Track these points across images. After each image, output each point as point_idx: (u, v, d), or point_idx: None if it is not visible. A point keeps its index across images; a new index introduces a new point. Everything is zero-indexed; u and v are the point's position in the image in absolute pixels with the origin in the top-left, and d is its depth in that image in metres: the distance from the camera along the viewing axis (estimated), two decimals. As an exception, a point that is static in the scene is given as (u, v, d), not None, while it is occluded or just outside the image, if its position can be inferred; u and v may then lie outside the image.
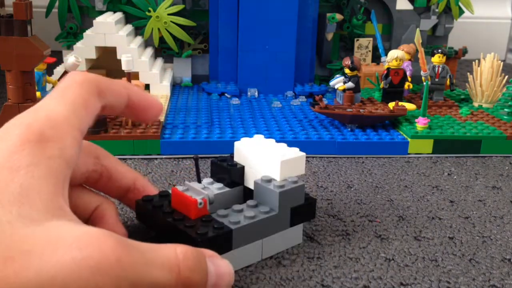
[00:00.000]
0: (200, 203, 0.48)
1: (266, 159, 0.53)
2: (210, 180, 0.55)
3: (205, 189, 0.51)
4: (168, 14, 1.08)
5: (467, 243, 0.57)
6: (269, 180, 0.52)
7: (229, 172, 0.55)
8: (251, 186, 0.54)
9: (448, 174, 0.76)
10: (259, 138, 0.57)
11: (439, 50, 0.98)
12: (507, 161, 0.82)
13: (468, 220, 0.62)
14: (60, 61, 1.08)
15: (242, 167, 0.55)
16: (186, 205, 0.48)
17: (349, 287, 0.49)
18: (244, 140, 0.56)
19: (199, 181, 0.55)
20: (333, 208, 0.64)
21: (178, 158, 0.79)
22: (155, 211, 0.50)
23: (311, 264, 0.52)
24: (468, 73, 1.06)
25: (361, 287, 0.49)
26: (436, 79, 0.99)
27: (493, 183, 0.74)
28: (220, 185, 0.55)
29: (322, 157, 0.81)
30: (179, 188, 0.51)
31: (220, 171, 0.56)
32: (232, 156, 0.57)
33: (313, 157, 0.81)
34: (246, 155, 0.55)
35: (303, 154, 0.53)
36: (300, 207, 0.53)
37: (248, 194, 0.55)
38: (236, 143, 0.56)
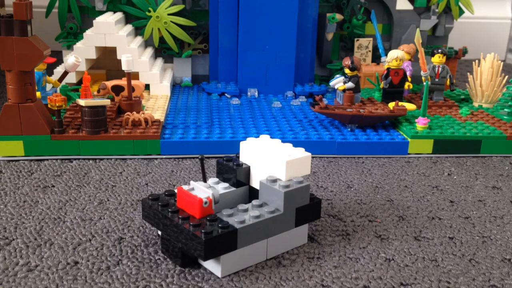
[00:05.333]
0: (206, 202, 0.49)
1: (271, 159, 0.53)
2: (216, 179, 0.56)
3: (211, 189, 0.52)
4: (168, 14, 1.08)
5: (467, 243, 0.57)
6: (275, 180, 0.52)
7: (235, 172, 0.55)
8: (257, 186, 0.55)
9: (448, 174, 0.76)
10: (264, 138, 0.57)
11: (439, 50, 0.98)
12: (507, 161, 0.82)
13: (468, 220, 0.62)
14: (60, 61, 1.08)
15: (248, 167, 0.56)
16: (192, 204, 0.49)
17: (349, 287, 0.49)
18: (250, 140, 0.56)
19: (205, 180, 0.55)
20: (333, 208, 0.64)
21: (178, 158, 0.79)
22: (160, 210, 0.50)
23: (311, 264, 0.52)
24: (468, 73, 1.06)
25: (361, 287, 0.49)
26: (436, 79, 0.99)
27: (493, 183, 0.74)
28: (226, 184, 0.55)
29: (322, 157, 0.81)
30: (185, 187, 0.51)
31: (226, 171, 0.56)
32: (237, 156, 0.57)
33: (313, 157, 0.81)
34: (251, 155, 0.55)
35: (309, 154, 0.54)
36: (305, 207, 0.53)
37: (253, 194, 0.55)
38: (242, 143, 0.56)
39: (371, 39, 1.18)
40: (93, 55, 1.02)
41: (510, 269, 0.53)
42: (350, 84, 0.94)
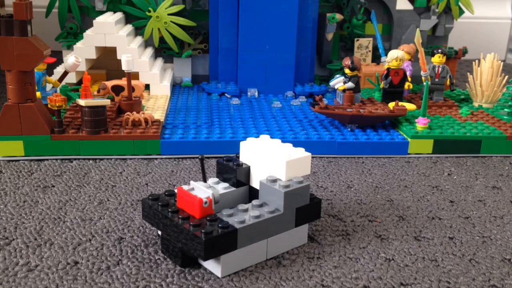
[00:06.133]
0: (206, 202, 0.49)
1: (271, 159, 0.53)
2: (216, 179, 0.56)
3: (211, 189, 0.52)
4: (168, 14, 1.08)
5: (467, 243, 0.57)
6: (275, 180, 0.52)
7: (235, 172, 0.55)
8: (257, 186, 0.55)
9: (448, 174, 0.76)
10: (264, 138, 0.57)
11: (439, 50, 0.98)
12: (507, 161, 0.82)
13: (468, 220, 0.62)
14: (60, 61, 1.08)
15: (248, 167, 0.56)
16: (192, 204, 0.49)
17: (349, 287, 0.49)
18: (250, 140, 0.56)
19: (205, 180, 0.55)
20: (333, 208, 0.64)
21: (178, 158, 0.79)
22: (160, 210, 0.50)
23: (311, 264, 0.52)
24: (468, 73, 1.06)
25: (361, 287, 0.49)
26: (436, 79, 0.99)
27: (493, 183, 0.74)
28: (226, 184, 0.55)
29: (322, 157, 0.81)
30: (185, 187, 0.51)
31: (226, 171, 0.56)
32: (237, 156, 0.57)
33: (313, 157, 0.81)
34: (251, 155, 0.55)
35: (309, 154, 0.54)
36: (305, 207, 0.53)
37: (253, 194, 0.55)
38: (242, 143, 0.56)
39: (371, 39, 1.18)
40: (93, 55, 1.02)
41: (510, 269, 0.53)
42: (350, 84, 0.94)
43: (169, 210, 0.50)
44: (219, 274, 0.49)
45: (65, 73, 0.89)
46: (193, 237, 0.47)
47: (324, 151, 0.81)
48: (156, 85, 1.03)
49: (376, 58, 1.19)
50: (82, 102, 0.76)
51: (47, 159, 0.76)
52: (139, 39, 1.08)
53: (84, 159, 0.77)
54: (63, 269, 0.50)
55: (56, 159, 0.77)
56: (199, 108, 0.96)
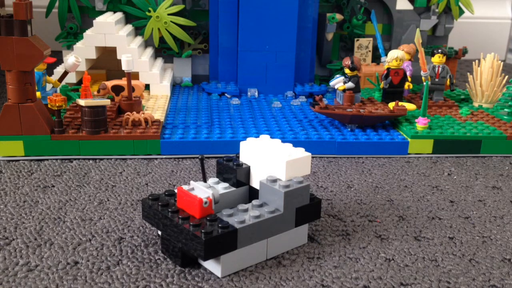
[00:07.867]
0: (206, 202, 0.49)
1: (271, 159, 0.53)
2: (216, 179, 0.56)
3: (211, 189, 0.52)
4: (168, 14, 1.08)
5: (467, 243, 0.57)
6: (275, 180, 0.52)
7: (235, 172, 0.55)
8: (257, 186, 0.55)
9: (448, 174, 0.76)
10: (264, 138, 0.57)
11: (439, 50, 0.98)
12: (507, 161, 0.82)
13: (468, 220, 0.62)
14: (60, 61, 1.08)
15: (248, 167, 0.56)
16: (192, 204, 0.49)
17: (349, 287, 0.49)
18: (250, 140, 0.56)
19: (205, 180, 0.55)
20: (333, 208, 0.64)
21: (178, 158, 0.79)
22: (160, 210, 0.50)
23: (311, 264, 0.52)
24: (468, 73, 1.06)
25: (361, 287, 0.49)
26: (436, 79, 0.99)
27: (493, 183, 0.74)
28: (226, 184, 0.55)
29: (322, 157, 0.81)
30: (185, 187, 0.51)
31: (226, 171, 0.56)
32: (237, 156, 0.57)
33: (313, 157, 0.81)
34: (251, 155, 0.55)
35: (309, 154, 0.54)
36: (305, 207, 0.53)
37: (253, 194, 0.56)
38: (242, 143, 0.56)
39: (371, 39, 1.18)
40: (93, 55, 1.02)
41: (510, 269, 0.53)
42: (350, 84, 0.94)
43: (169, 210, 0.50)
44: (219, 274, 0.49)
45: (65, 73, 0.89)
46: (193, 237, 0.47)
47: (324, 151, 0.81)
48: (156, 85, 1.03)
49: (376, 58, 1.19)
50: (82, 102, 0.76)
51: (47, 159, 0.76)
52: (139, 39, 1.08)
53: (84, 159, 0.77)
54: (63, 269, 0.50)
55: (56, 159, 0.77)
56: (199, 108, 0.96)
